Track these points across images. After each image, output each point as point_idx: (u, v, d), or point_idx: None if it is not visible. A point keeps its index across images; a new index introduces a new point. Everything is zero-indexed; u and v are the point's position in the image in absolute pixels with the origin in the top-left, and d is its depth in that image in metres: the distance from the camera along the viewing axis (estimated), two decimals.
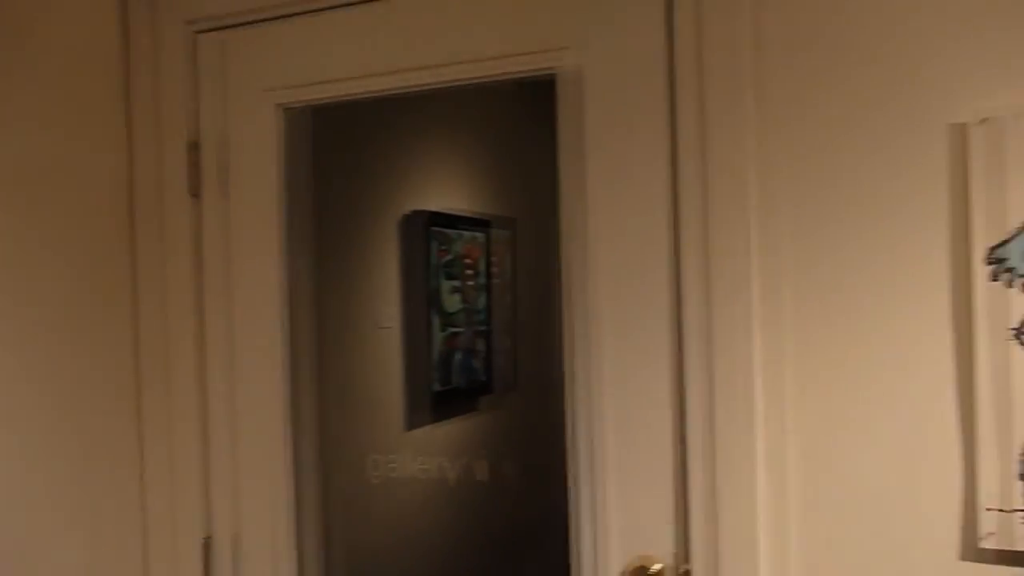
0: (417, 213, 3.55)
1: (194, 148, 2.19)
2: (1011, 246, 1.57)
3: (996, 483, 1.58)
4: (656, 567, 1.82)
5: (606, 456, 1.85)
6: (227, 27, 2.16)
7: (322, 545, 2.28)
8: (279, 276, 2.14)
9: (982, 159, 1.58)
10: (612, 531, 1.85)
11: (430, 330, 3.58)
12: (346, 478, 3.08)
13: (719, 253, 1.74)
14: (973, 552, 1.61)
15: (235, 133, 2.17)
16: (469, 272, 3.82)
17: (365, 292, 3.50)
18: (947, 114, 1.62)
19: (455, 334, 3.71)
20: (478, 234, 3.88)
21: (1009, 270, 1.57)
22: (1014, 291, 1.57)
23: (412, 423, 3.56)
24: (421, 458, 3.49)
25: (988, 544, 1.59)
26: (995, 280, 1.58)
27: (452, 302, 3.71)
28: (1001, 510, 1.58)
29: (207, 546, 2.20)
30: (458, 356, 3.75)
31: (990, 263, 1.58)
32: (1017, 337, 1.57)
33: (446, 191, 3.78)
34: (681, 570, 1.79)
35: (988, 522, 1.59)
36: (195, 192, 2.19)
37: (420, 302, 3.54)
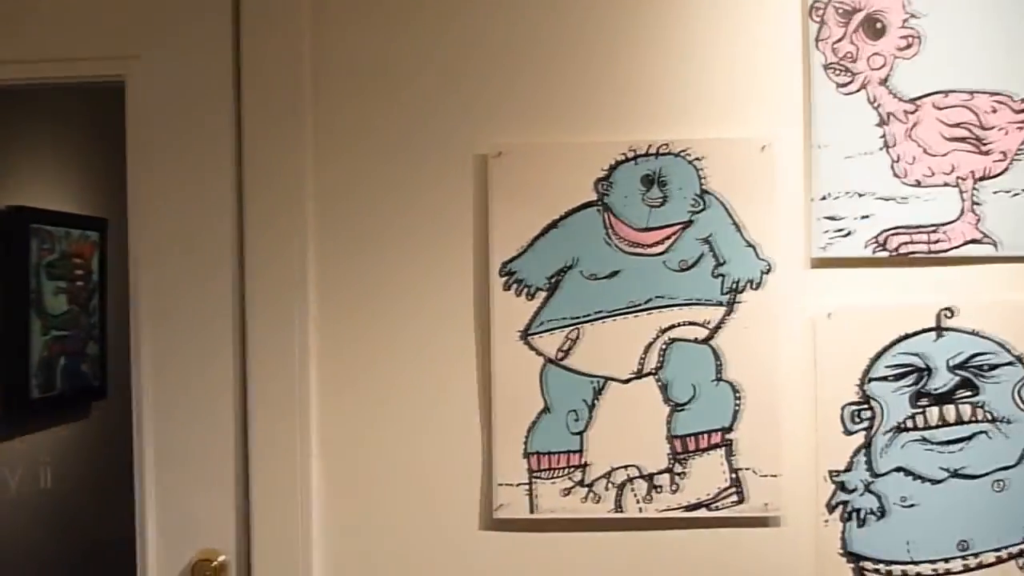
0: (16, 209, 3.34)
1: None
2: (520, 261, 1.86)
3: (507, 462, 1.86)
4: (220, 559, 1.91)
5: (171, 454, 1.92)
6: None
7: None
8: None
9: (498, 186, 1.86)
10: (176, 526, 1.92)
11: (28, 334, 3.38)
12: None
13: (277, 260, 1.88)
14: (490, 522, 1.88)
15: None
16: (79, 272, 3.65)
17: None
18: (474, 146, 1.88)
19: (60, 338, 3.53)
20: (90, 233, 3.73)
21: (519, 281, 1.86)
22: (522, 299, 1.86)
23: (5, 432, 3.34)
24: (13, 468, 3.29)
25: (501, 514, 1.87)
26: (507, 290, 1.86)
27: (56, 304, 3.52)
28: (510, 484, 1.86)
29: None
30: (63, 361, 3.57)
31: (503, 275, 1.86)
32: (523, 338, 1.86)
33: (54, 189, 3.59)
34: (236, 562, 1.90)
35: (501, 495, 1.86)
36: None
37: (17, 304, 3.33)
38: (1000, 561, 1.86)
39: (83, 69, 1.95)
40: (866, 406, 1.85)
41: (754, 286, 1.85)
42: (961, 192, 1.86)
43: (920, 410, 1.85)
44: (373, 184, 1.90)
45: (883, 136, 1.86)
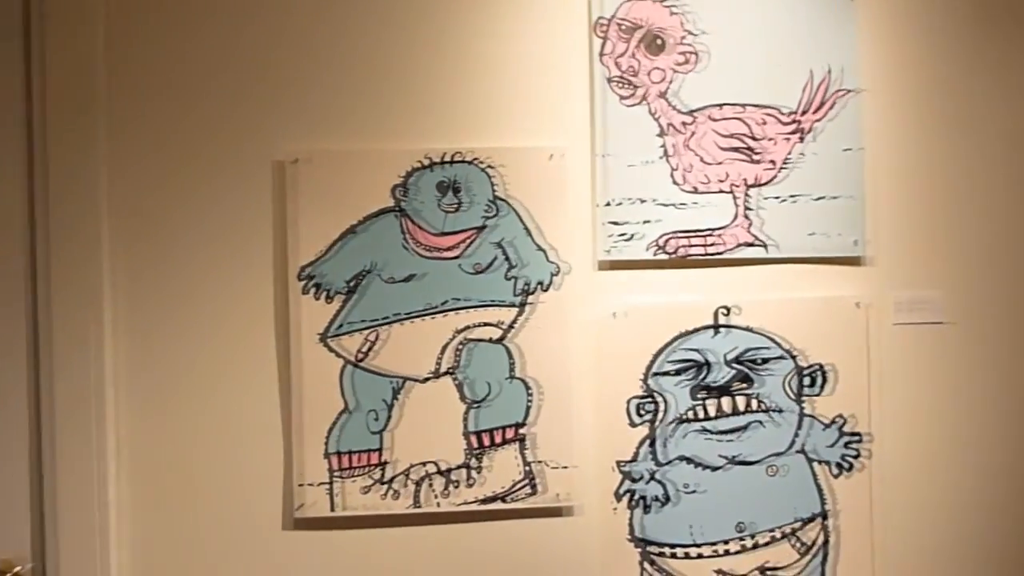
0: None
1: None
2: (320, 265, 1.90)
3: (308, 462, 1.90)
4: (16, 569, 1.88)
5: None
6: None
7: None
8: None
9: (296, 192, 1.90)
10: None
11: None
12: None
13: (72, 270, 1.86)
14: (292, 522, 1.91)
15: None
16: None
17: None
18: (272, 152, 1.91)
19: None
20: None
21: (318, 285, 1.91)
22: (321, 303, 1.90)
23: None
24: None
25: (302, 514, 1.90)
26: (306, 293, 1.90)
27: None
28: (311, 484, 1.90)
29: None
30: None
31: (303, 279, 1.90)
32: (323, 341, 1.90)
33: None
34: (35, 569, 1.88)
35: (302, 495, 1.90)
36: None
37: None
38: (774, 540, 2.00)
39: None
40: (650, 399, 1.97)
41: (545, 288, 1.94)
42: (735, 198, 2.00)
43: (700, 402, 1.98)
44: (170, 192, 1.91)
45: (663, 146, 1.98)
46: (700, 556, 1.98)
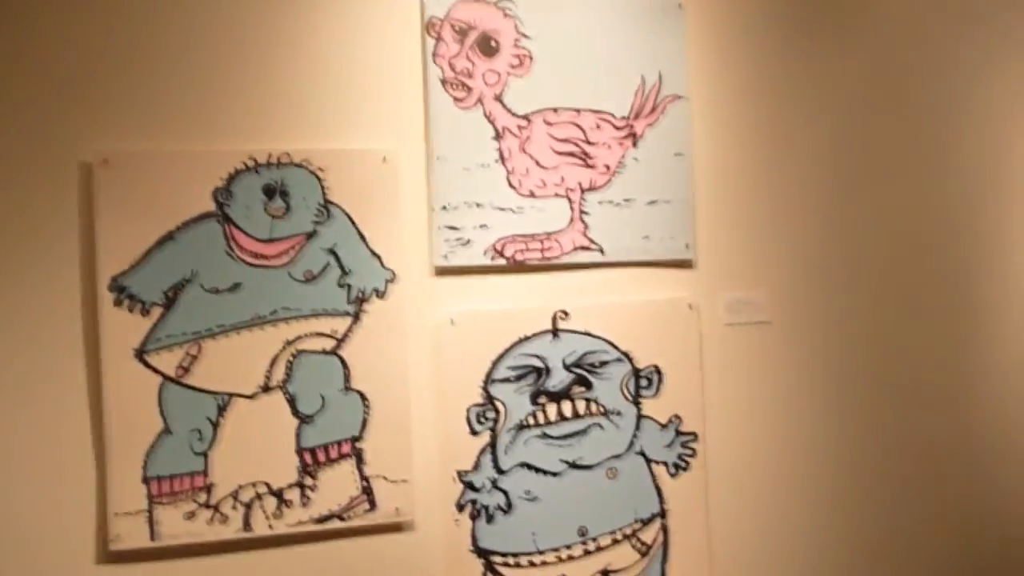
0: None
1: None
2: (133, 275, 1.76)
3: (123, 489, 1.75)
4: None
5: None
6: None
7: None
8: None
9: (105, 196, 1.75)
10: None
11: None
12: None
13: None
14: (106, 554, 1.75)
15: None
16: None
17: None
18: (77, 152, 1.75)
19: None
20: None
21: (132, 296, 1.76)
22: (136, 315, 1.76)
23: None
24: None
25: (117, 545, 1.75)
26: (119, 306, 1.75)
27: None
28: (128, 513, 1.75)
29: None
30: None
31: (113, 291, 1.75)
32: (139, 356, 1.76)
33: None
34: None
35: (116, 525, 1.75)
36: None
37: None
38: (616, 543, 2.01)
39: None
40: (490, 407, 1.93)
41: (380, 295, 1.87)
42: (571, 203, 2.00)
43: (540, 407, 1.96)
44: None
45: (499, 149, 1.96)
46: (544, 563, 1.96)
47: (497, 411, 1.93)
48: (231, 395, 1.80)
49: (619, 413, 2.01)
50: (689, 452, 2.05)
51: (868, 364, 2.22)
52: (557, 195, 1.99)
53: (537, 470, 1.96)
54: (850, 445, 2.20)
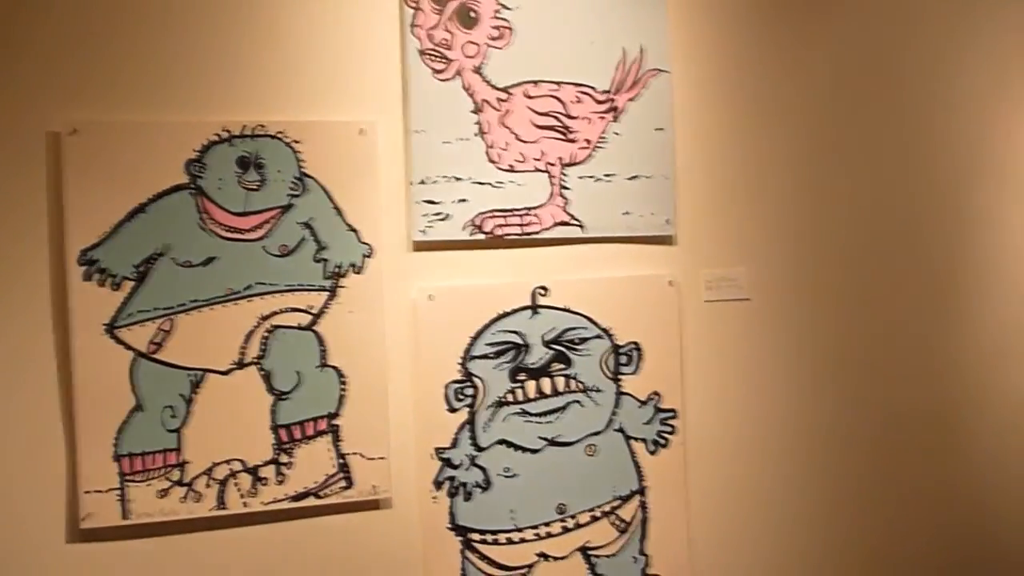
0: None
1: None
2: (103, 248, 1.72)
3: (94, 467, 1.71)
4: None
5: None
6: None
7: None
8: None
9: (74, 166, 1.70)
10: None
11: None
12: None
13: None
14: (77, 533, 1.72)
15: None
16: None
17: None
18: (46, 121, 1.70)
19: None
20: None
21: (102, 270, 1.72)
22: (106, 290, 1.72)
23: None
24: None
25: (88, 524, 1.71)
26: (88, 280, 1.71)
27: None
28: (99, 491, 1.71)
29: None
30: None
31: (83, 264, 1.71)
32: (109, 332, 1.72)
33: None
34: None
35: (87, 504, 1.71)
36: None
37: None
38: (595, 519, 2.00)
39: None
40: (468, 383, 1.91)
41: (356, 270, 1.84)
42: (551, 177, 1.98)
43: (519, 384, 1.94)
44: None
45: (478, 123, 1.93)
46: (522, 540, 1.95)
47: (476, 388, 1.91)
48: (205, 371, 1.77)
49: (598, 390, 1.99)
50: (668, 429, 2.04)
51: (847, 341, 2.22)
52: (537, 169, 1.96)
53: (516, 447, 1.94)
54: (828, 421, 2.21)
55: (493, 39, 1.94)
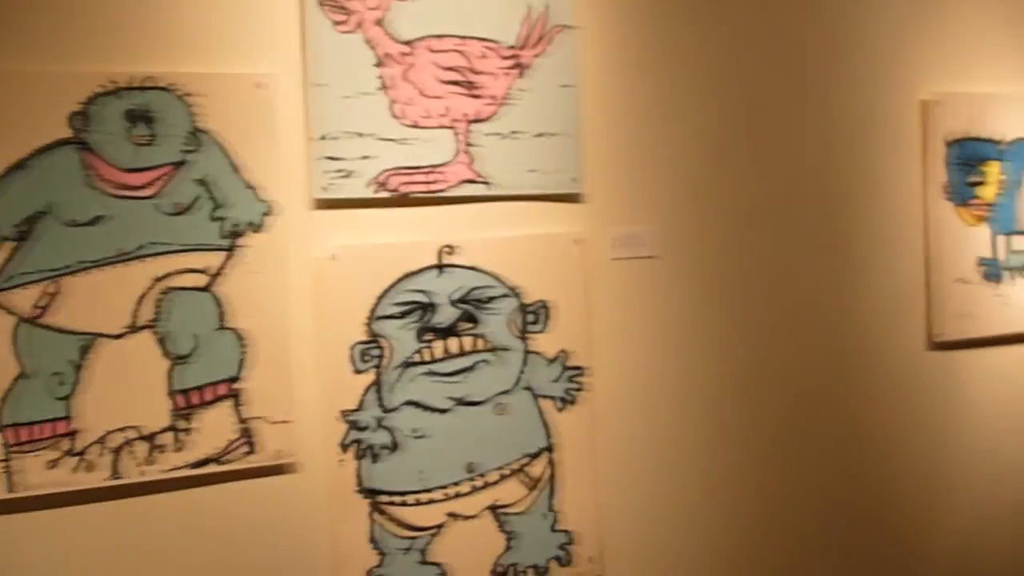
0: None
1: None
2: None
3: None
4: None
5: None
6: None
7: None
8: None
9: None
10: None
11: None
12: None
13: None
14: None
15: None
16: None
17: None
18: None
19: None
20: None
21: None
22: None
23: None
24: None
25: None
26: None
27: None
28: None
29: None
30: None
31: None
32: None
33: None
34: None
35: None
36: None
37: None
38: (503, 478, 2.00)
39: None
40: (375, 344, 1.88)
41: (256, 229, 1.78)
42: (456, 134, 1.94)
43: (426, 344, 1.92)
44: None
45: (380, 77, 1.87)
46: (431, 501, 1.94)
47: (382, 349, 1.88)
48: (95, 335, 1.69)
49: (506, 349, 1.99)
50: (576, 387, 2.05)
51: (755, 298, 2.27)
52: (443, 126, 1.93)
53: (424, 407, 1.92)
54: (736, 378, 2.25)
55: None
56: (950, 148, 2.52)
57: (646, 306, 2.14)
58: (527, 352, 2.00)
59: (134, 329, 1.71)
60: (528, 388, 2.01)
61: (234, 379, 1.77)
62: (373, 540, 1.89)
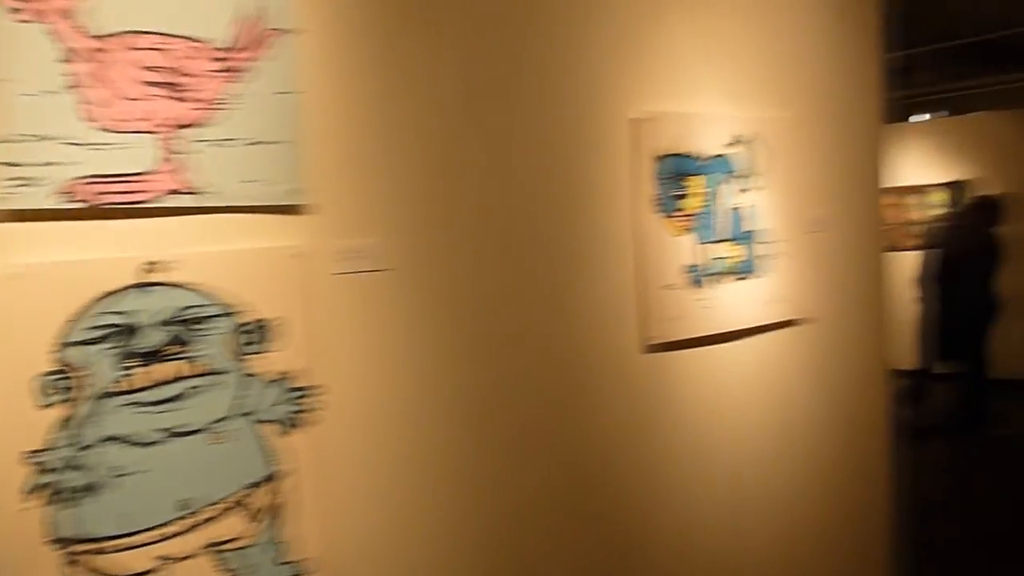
0: None
1: None
2: None
3: None
4: None
5: None
6: None
7: None
8: None
9: None
10: None
11: None
12: None
13: None
14: None
15: None
16: None
17: None
18: None
19: None
20: None
21: None
22: None
23: None
24: None
25: None
26: None
27: None
28: None
29: None
30: None
31: None
32: None
33: None
34: None
35: None
36: None
37: None
38: (222, 513, 1.85)
39: None
40: (65, 374, 1.67)
41: None
42: (160, 140, 1.77)
43: (129, 372, 1.73)
44: None
45: (69, 74, 1.67)
46: (138, 546, 1.75)
47: (73, 379, 1.67)
48: None
49: (221, 372, 1.84)
50: (300, 409, 1.95)
51: (482, 311, 2.27)
52: (144, 131, 1.75)
53: (128, 442, 1.74)
54: (466, 392, 2.25)
55: None
56: (657, 163, 2.68)
57: (375, 322, 2.08)
58: (245, 375, 1.87)
59: None
60: (247, 414, 1.88)
61: None
62: None
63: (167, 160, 1.78)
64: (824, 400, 3.23)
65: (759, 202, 2.96)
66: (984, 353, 6.90)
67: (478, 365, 2.28)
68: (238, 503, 1.87)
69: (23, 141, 1.62)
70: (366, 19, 2.07)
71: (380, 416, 2.10)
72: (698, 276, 2.80)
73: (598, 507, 2.57)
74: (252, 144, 1.88)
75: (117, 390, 1.72)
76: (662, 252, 2.70)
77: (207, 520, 1.83)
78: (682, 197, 2.76)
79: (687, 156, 2.76)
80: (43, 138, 1.64)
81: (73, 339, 1.67)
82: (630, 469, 2.65)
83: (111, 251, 1.72)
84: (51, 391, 1.65)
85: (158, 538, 1.78)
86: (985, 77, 10.97)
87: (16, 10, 1.62)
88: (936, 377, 7.41)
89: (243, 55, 1.87)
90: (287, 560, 1.94)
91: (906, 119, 10.35)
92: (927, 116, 10.37)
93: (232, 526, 1.86)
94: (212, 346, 1.83)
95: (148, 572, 1.76)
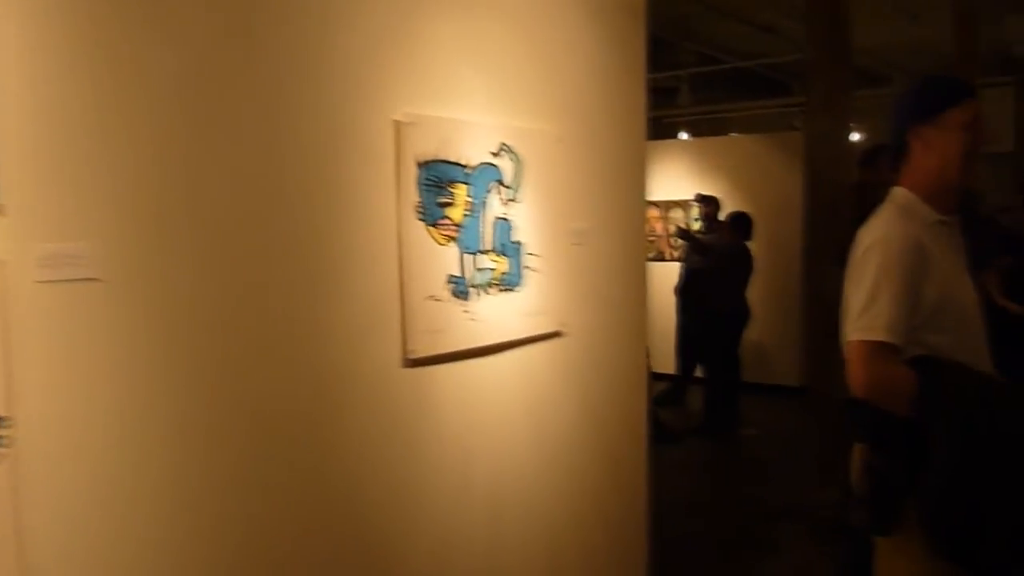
0: None
1: None
2: None
3: None
4: None
5: None
6: None
7: None
8: None
9: None
10: None
11: None
12: None
13: None
14: None
15: None
16: None
17: None
18: None
19: None
20: None
21: None
22: None
23: None
24: None
25: None
26: None
27: None
28: None
29: None
30: None
31: None
32: None
33: None
34: None
35: None
36: None
37: None
38: None
39: None
40: None
41: None
42: None
43: None
44: None
45: None
46: None
47: None
48: None
49: None
50: None
51: (222, 323, 2.07)
52: None
53: None
54: (201, 410, 2.03)
55: None
56: (422, 169, 2.58)
57: (86, 337, 1.83)
58: None
59: None
60: None
61: None
62: None
63: None
64: (586, 410, 3.26)
65: (524, 214, 2.94)
66: (735, 358, 7.39)
67: (216, 381, 2.07)
68: None
69: None
70: (88, 13, 1.82)
71: (96, 443, 1.85)
72: (463, 287, 2.73)
73: (354, 528, 2.42)
74: None
75: None
76: (426, 262, 2.60)
77: None
78: (448, 205, 2.68)
79: (453, 163, 2.68)
80: None
81: None
82: (387, 487, 2.53)
83: None
84: None
85: None
86: (744, 102, 11.88)
87: None
88: (695, 381, 7.87)
89: None
90: None
91: (675, 137, 10.98)
92: (685, 136, 11.07)
93: None
94: None
95: None
